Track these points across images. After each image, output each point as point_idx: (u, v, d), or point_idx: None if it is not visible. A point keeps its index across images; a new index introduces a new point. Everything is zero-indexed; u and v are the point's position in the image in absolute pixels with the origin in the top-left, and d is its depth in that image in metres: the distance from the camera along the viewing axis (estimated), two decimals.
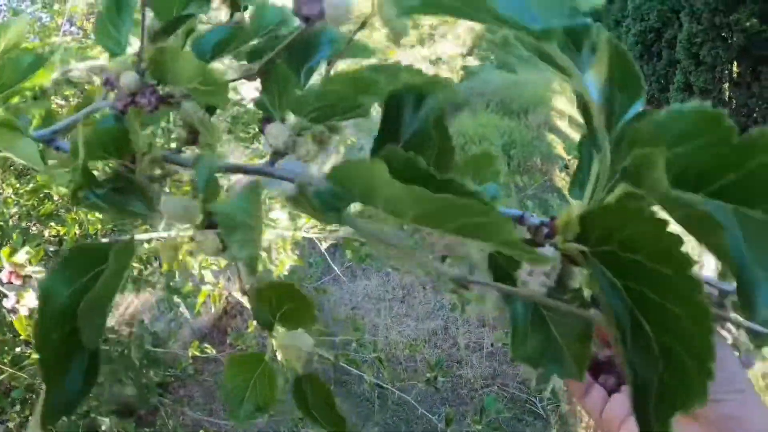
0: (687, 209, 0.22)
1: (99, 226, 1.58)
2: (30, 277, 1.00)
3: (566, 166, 4.62)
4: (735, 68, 4.37)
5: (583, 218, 0.27)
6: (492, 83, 6.36)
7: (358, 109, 0.34)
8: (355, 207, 0.28)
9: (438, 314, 3.16)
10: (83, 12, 1.90)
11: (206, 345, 1.91)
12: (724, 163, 0.23)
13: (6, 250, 0.99)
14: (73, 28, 1.94)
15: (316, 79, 0.37)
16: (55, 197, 1.57)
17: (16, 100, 0.41)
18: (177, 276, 1.70)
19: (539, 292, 0.30)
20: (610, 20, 5.94)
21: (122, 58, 0.37)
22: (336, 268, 2.61)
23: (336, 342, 2.21)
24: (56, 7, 2.05)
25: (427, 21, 7.60)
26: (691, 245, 0.24)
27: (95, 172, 0.32)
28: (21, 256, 0.97)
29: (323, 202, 0.27)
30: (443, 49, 7.46)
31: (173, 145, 0.36)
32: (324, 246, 2.45)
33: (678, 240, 0.23)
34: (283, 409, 1.78)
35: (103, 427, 1.59)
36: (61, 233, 1.60)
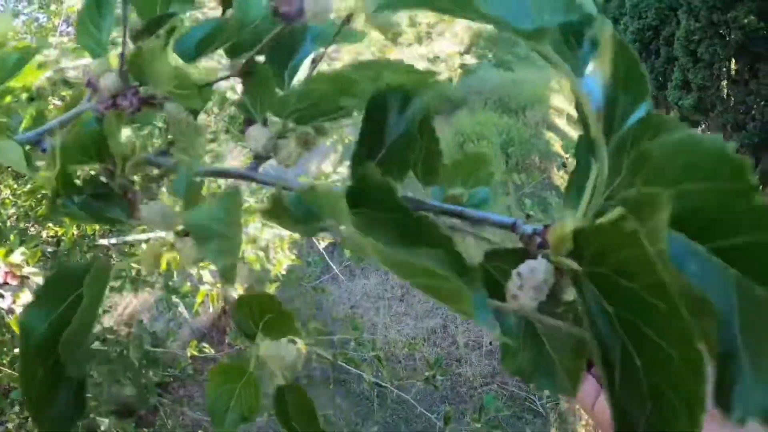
0: (681, 284, 0.20)
1: (97, 227, 1.58)
2: (27, 277, 0.99)
3: (564, 164, 4.62)
4: (733, 65, 4.36)
5: (577, 234, 0.26)
6: (490, 81, 6.35)
7: (340, 110, 0.33)
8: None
9: (437, 313, 3.16)
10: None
11: (205, 345, 1.91)
12: (740, 222, 0.21)
13: (1, 250, 0.99)
14: (69, 29, 1.93)
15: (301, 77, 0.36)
16: None
17: (8, 99, 0.41)
18: (175, 276, 1.70)
19: (529, 307, 0.28)
20: (608, 18, 5.93)
21: (104, 59, 0.36)
22: (334, 267, 2.61)
23: (335, 341, 2.21)
24: (53, 7, 2.05)
25: (424, 19, 7.58)
26: None
27: (79, 173, 0.31)
28: (17, 257, 0.97)
29: (301, 213, 0.26)
30: (441, 47, 7.46)
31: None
32: (322, 245, 2.45)
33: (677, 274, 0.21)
34: None
35: (103, 428, 1.59)
36: (59, 234, 1.60)
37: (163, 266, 1.51)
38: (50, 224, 1.58)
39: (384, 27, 0.32)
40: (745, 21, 4.00)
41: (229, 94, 1.88)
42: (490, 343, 2.93)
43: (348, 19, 0.33)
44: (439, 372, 1.96)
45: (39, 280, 0.99)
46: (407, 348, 2.70)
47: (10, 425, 1.52)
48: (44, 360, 0.30)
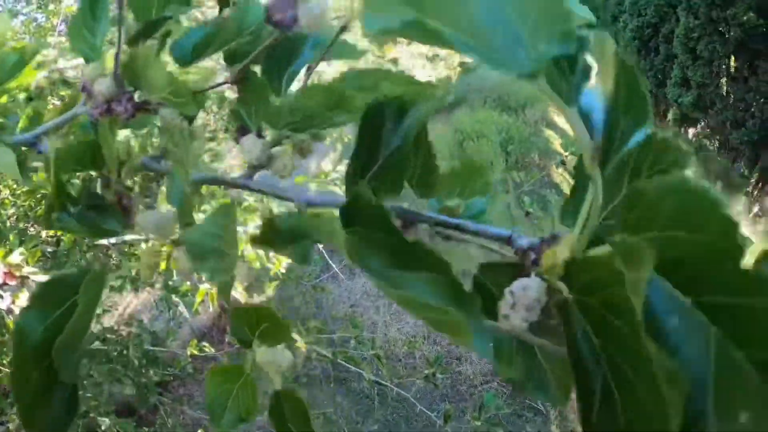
0: (653, 350, 0.20)
1: None
2: (27, 278, 0.99)
3: (563, 162, 4.62)
4: (732, 63, 4.36)
5: (568, 264, 0.26)
6: (489, 79, 6.33)
7: (335, 123, 0.33)
8: None
9: None
10: None
11: (205, 344, 1.91)
12: (725, 281, 0.20)
13: (1, 251, 0.99)
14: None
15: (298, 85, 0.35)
16: None
17: (4, 100, 0.41)
18: (175, 275, 1.70)
19: (520, 328, 0.28)
20: (607, 16, 5.93)
21: (98, 64, 0.35)
22: (334, 266, 2.61)
23: (335, 339, 2.21)
24: (51, 7, 2.05)
25: None
26: None
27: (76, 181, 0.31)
28: (15, 257, 0.97)
29: (294, 233, 0.26)
30: None
31: None
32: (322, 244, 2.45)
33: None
34: None
35: (103, 427, 1.59)
36: (59, 233, 1.60)
37: (163, 266, 1.51)
38: None
39: (378, 39, 0.32)
40: (745, 18, 4.00)
41: (228, 93, 1.88)
42: None
43: (344, 29, 0.33)
44: (439, 370, 1.96)
45: (39, 279, 0.99)
46: (407, 346, 2.70)
47: (11, 426, 1.52)
48: (38, 364, 0.30)
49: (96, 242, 1.60)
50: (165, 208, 0.31)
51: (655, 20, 4.95)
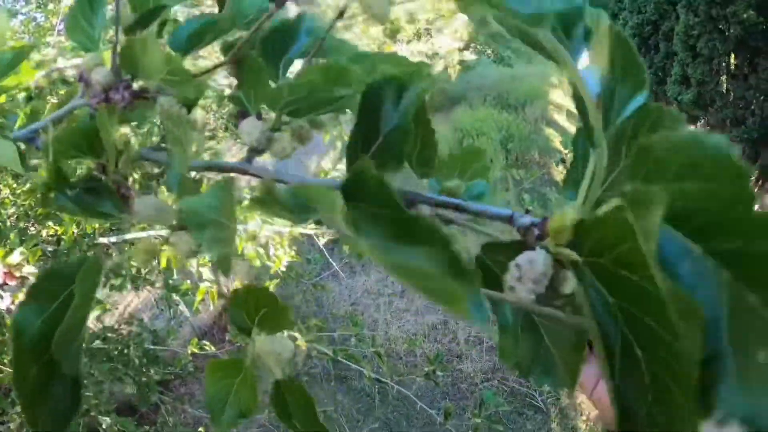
0: (668, 286, 0.20)
1: (96, 225, 1.58)
2: (27, 278, 1.00)
3: (563, 160, 4.62)
4: (732, 60, 4.35)
5: (577, 226, 0.25)
6: (489, 77, 6.35)
7: (335, 102, 0.33)
8: None
9: (437, 309, 3.16)
10: None
11: (206, 342, 1.91)
12: (737, 227, 0.21)
13: (1, 251, 0.99)
14: None
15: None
16: None
17: (2, 99, 0.41)
18: (175, 274, 1.70)
19: (527, 299, 0.27)
20: (607, 13, 5.92)
21: (96, 54, 0.35)
22: (335, 264, 2.61)
23: (335, 337, 2.21)
24: (51, 6, 2.04)
25: (423, 15, 7.57)
26: None
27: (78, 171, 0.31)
28: (15, 257, 0.97)
29: (294, 205, 0.26)
30: (440, 43, 7.44)
31: None
32: (322, 242, 2.45)
33: None
34: None
35: (104, 426, 1.59)
36: (59, 233, 1.60)
37: (163, 264, 1.51)
38: (50, 223, 1.58)
39: (380, 17, 0.31)
40: (745, 16, 3.99)
41: (228, 92, 1.88)
42: (491, 339, 2.93)
43: (342, 13, 0.32)
44: (439, 368, 1.96)
45: None
46: (408, 344, 2.70)
47: (11, 425, 1.52)
48: (38, 358, 0.30)
49: (96, 241, 1.60)
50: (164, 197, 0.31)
51: (655, 17, 4.94)
